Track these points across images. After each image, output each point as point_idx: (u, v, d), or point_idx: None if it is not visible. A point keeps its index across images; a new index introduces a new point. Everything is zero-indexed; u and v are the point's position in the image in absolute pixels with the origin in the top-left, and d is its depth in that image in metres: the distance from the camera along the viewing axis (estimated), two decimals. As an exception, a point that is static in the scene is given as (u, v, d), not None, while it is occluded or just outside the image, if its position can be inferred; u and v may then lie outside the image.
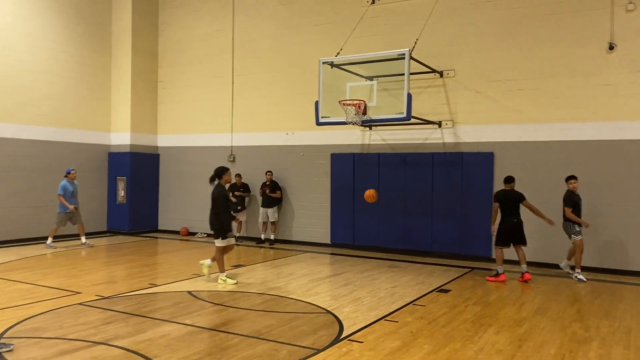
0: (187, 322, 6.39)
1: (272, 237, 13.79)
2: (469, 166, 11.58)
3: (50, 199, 13.62)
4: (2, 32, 12.74)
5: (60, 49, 14.10)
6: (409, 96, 9.87)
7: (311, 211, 13.57)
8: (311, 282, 9.01)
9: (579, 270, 9.47)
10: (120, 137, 15.31)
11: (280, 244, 13.59)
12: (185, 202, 15.46)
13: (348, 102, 10.11)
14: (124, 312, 6.81)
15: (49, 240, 12.31)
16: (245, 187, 14.05)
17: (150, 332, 6.00)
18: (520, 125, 11.15)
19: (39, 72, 13.60)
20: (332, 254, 12.34)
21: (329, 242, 13.19)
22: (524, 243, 9.51)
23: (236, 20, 14.70)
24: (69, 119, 14.35)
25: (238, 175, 13.94)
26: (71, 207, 12.32)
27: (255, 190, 14.05)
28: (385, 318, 6.74)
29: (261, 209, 13.80)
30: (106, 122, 15.38)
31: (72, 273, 9.52)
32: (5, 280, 8.62)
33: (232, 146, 14.82)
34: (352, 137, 12.93)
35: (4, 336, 5.70)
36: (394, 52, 10.22)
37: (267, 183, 13.71)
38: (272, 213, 13.65)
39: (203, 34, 15.24)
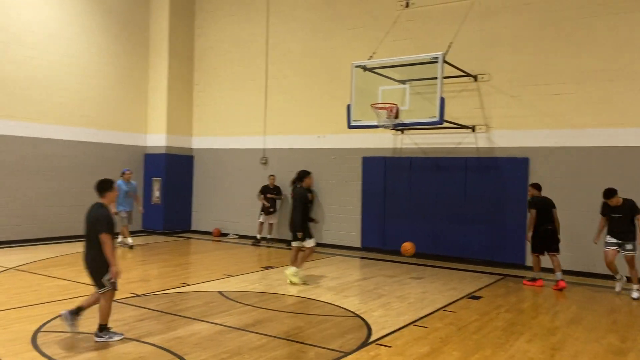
0: (217, 321, 6.48)
1: (303, 239, 13.80)
2: (503, 172, 11.39)
3: (88, 199, 13.92)
4: (46, 37, 13.18)
5: (100, 52, 14.50)
6: (442, 100, 9.79)
7: (342, 214, 13.57)
8: (341, 285, 9.01)
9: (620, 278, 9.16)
10: (156, 139, 15.63)
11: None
12: (218, 203, 15.66)
13: (380, 105, 10.09)
14: (156, 310, 6.95)
15: (129, 240, 12.40)
16: (277, 190, 14.15)
17: (181, 330, 6.11)
18: (557, 130, 10.92)
19: (80, 75, 14.01)
20: (362, 257, 12.31)
21: (359, 245, 13.16)
22: (557, 251, 9.32)
23: (270, 24, 14.84)
24: (108, 121, 14.73)
25: (272, 177, 14.08)
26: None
27: (287, 193, 14.13)
28: (415, 323, 6.69)
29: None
30: (142, 123, 15.73)
31: (107, 271, 9.76)
32: (45, 277, 8.90)
33: (264, 149, 14.96)
34: (384, 141, 12.88)
35: (41, 330, 5.88)
36: (427, 55, 10.15)
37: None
38: (302, 216, 13.68)
39: (237, 37, 15.44)
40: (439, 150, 12.19)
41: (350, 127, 10.96)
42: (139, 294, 7.85)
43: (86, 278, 8.83)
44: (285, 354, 5.39)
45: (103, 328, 5.68)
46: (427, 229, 12.15)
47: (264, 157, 14.92)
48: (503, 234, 11.38)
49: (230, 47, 15.60)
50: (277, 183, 14.21)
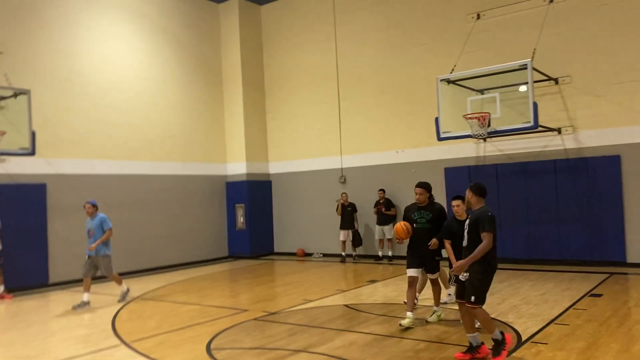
0: (365, 330, 6.80)
1: (389, 253, 14.10)
2: (595, 171, 11.45)
3: (180, 230, 14.73)
4: (131, 79, 14.03)
5: (182, 88, 15.30)
6: (535, 105, 10.02)
7: (428, 226, 13.75)
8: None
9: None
10: (236, 167, 16.28)
11: (397, 260, 13.85)
12: (299, 224, 16.11)
13: (473, 115, 10.38)
14: (300, 325, 7.32)
15: (85, 296, 9.18)
16: (352, 206, 14.50)
17: (338, 340, 6.44)
18: (649, 125, 10.97)
19: (165, 112, 14.81)
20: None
21: (445, 256, 13.29)
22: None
23: (339, 48, 15.36)
24: (192, 153, 15.45)
25: (344, 194, 14.51)
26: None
27: (369, 209, 14.43)
28: (554, 322, 6.86)
29: (377, 226, 14.19)
30: (222, 153, 16.42)
31: (225, 294, 10.27)
32: (173, 303, 9.42)
33: (342, 168, 15.37)
34: (466, 150, 13.11)
35: (211, 348, 6.32)
36: (515, 63, 10.40)
37: (381, 201, 14.08)
38: (388, 230, 13.97)
39: (307, 64, 16.01)
40: (525, 155, 12.33)
41: (440, 139, 11.27)
42: (273, 311, 8.26)
43: (211, 301, 9.42)
44: (451, 355, 5.65)
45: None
46: (520, 234, 12.25)
47: (342, 176, 15.32)
48: (600, 233, 11.40)
49: (300, 74, 16.18)
50: (355, 200, 14.57)
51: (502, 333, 5.43)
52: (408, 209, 7.23)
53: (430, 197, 7.09)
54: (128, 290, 9.85)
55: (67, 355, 6.23)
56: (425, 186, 7.06)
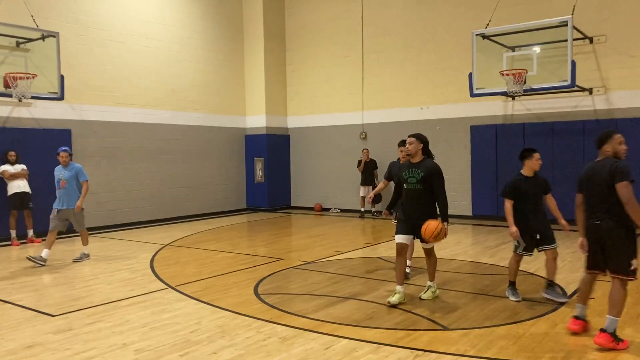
0: (407, 282, 6.87)
1: (409, 210, 14.13)
2: (625, 133, 11.04)
3: (200, 181, 14.75)
4: (155, 25, 13.74)
5: (202, 37, 15.02)
6: (573, 63, 9.87)
7: (449, 184, 13.65)
8: (487, 249, 9.31)
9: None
10: (256, 120, 16.15)
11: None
12: (317, 179, 16.12)
13: (510, 72, 10.23)
14: (339, 274, 7.41)
15: (43, 252, 8.33)
16: (374, 163, 14.48)
17: (382, 289, 6.52)
18: (684, 87, 10.84)
19: (187, 61, 14.58)
20: (478, 224, 12.53)
21: (470, 214, 13.40)
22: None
23: (365, -1, 15.02)
24: (211, 105, 15.30)
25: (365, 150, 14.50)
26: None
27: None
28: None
29: (397, 183, 14.19)
30: (242, 106, 16.26)
31: (255, 243, 10.37)
32: (206, 250, 9.51)
33: (363, 124, 15.26)
34: (494, 109, 12.99)
35: (259, 293, 6.39)
36: (554, 19, 10.22)
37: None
38: (408, 187, 13.98)
39: (330, 15, 15.67)
40: (553, 115, 12.23)
41: (473, 95, 11.17)
42: (309, 261, 8.33)
43: (245, 249, 9.52)
44: (502, 307, 5.73)
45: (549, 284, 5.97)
46: (544, 194, 12.26)
47: (363, 132, 15.23)
48: (626, 194, 11.40)
49: (323, 25, 15.86)
50: (375, 157, 14.51)
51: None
52: (400, 167, 6.17)
53: (426, 152, 6.06)
54: (88, 255, 8.80)
55: (117, 297, 6.30)
56: (417, 136, 5.93)
